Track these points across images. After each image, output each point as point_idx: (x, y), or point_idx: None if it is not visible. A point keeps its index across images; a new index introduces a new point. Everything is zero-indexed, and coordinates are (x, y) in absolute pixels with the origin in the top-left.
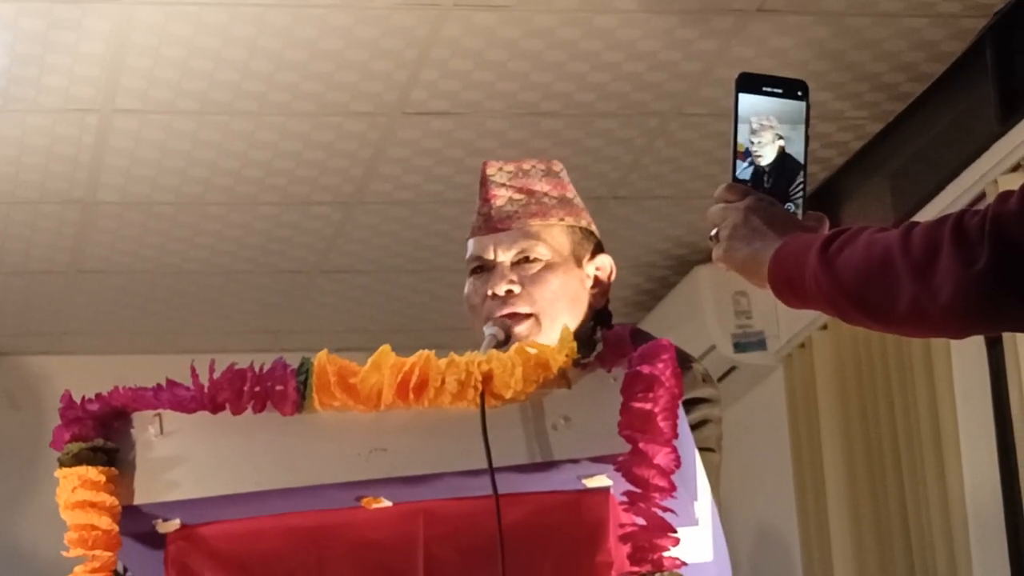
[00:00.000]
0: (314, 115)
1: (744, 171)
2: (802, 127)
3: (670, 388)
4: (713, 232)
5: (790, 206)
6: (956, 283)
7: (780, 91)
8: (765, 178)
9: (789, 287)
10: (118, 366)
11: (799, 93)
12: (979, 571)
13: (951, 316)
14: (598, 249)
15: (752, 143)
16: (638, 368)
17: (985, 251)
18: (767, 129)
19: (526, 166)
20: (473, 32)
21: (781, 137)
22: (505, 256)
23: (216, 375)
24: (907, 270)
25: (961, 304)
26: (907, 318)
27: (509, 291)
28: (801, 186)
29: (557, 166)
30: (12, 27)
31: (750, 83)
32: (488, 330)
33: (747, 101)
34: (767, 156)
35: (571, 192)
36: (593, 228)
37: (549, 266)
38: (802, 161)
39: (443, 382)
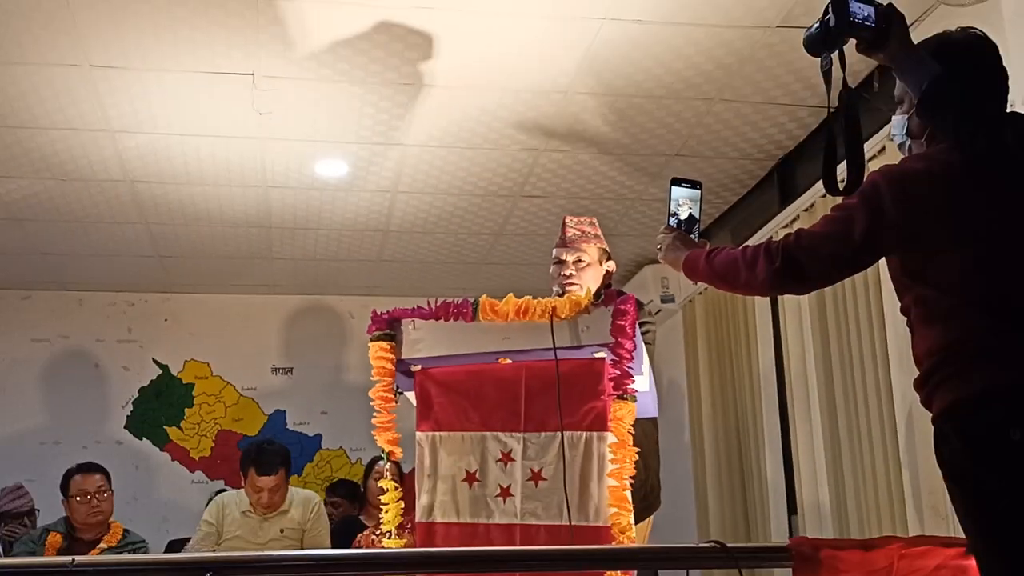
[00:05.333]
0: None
1: (672, 221)
2: (699, 202)
3: (632, 315)
4: (658, 247)
5: (693, 237)
6: (765, 272)
7: (689, 185)
8: (682, 225)
9: (691, 272)
10: (395, 302)
11: (698, 186)
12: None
13: (764, 287)
14: (609, 259)
15: (677, 209)
16: (619, 306)
17: (778, 258)
18: (684, 203)
19: (584, 220)
20: None
21: (690, 207)
22: (569, 257)
23: (438, 304)
24: (744, 265)
25: (768, 282)
26: (744, 287)
27: (571, 273)
28: (697, 228)
29: (594, 220)
30: (352, 154)
31: (676, 180)
32: (556, 288)
33: (675, 190)
34: (683, 215)
35: (599, 232)
36: (607, 249)
37: (588, 264)
38: (698, 217)
39: (535, 310)
